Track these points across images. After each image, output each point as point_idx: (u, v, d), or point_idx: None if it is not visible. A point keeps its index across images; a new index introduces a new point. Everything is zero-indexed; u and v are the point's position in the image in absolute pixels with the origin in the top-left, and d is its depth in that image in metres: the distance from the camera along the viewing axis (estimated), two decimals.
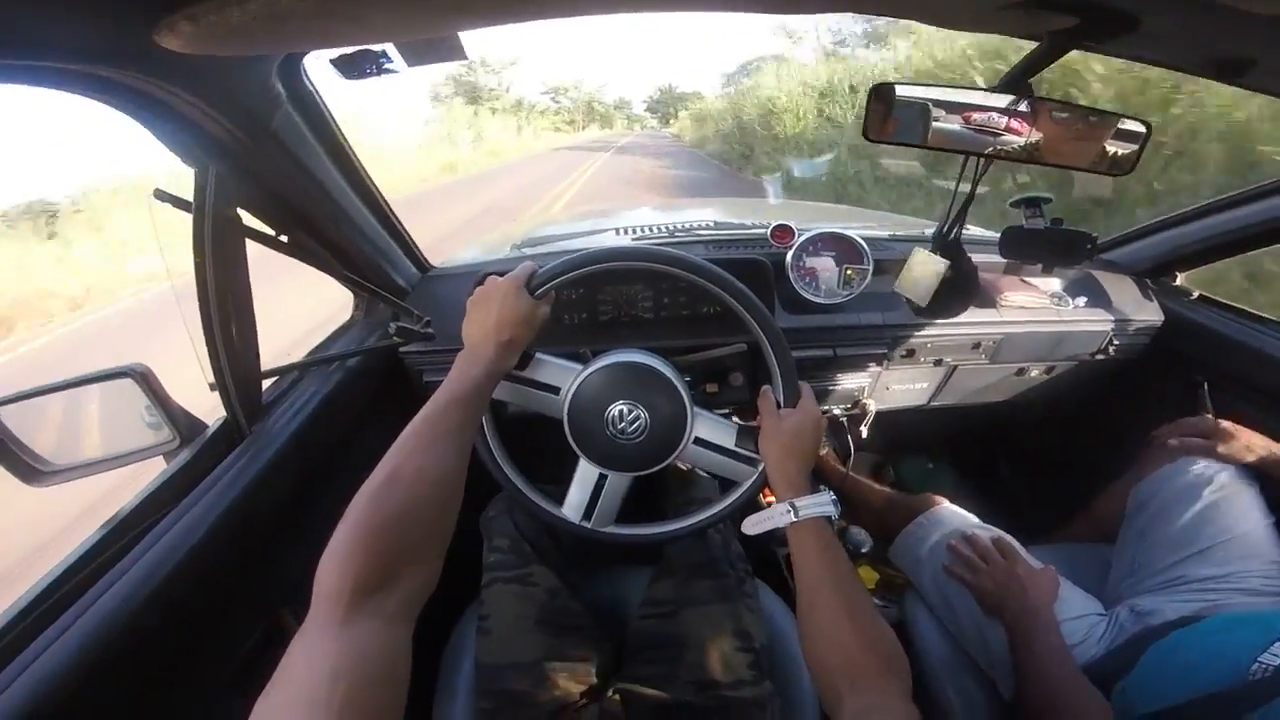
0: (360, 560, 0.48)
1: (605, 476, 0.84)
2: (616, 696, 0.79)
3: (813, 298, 1.15)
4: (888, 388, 1.35)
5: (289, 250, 0.88)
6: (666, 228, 1.35)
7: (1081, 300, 1.23)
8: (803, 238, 1.14)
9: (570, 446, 0.83)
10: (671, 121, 59.11)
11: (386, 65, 0.72)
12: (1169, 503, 0.96)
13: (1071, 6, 0.53)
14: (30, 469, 0.77)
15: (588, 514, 0.85)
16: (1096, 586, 0.98)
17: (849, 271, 1.15)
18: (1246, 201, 1.12)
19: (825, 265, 1.15)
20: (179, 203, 0.70)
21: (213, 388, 0.82)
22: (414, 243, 1.17)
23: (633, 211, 2.19)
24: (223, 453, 0.82)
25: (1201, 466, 0.97)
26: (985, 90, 0.81)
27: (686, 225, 1.34)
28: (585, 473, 0.84)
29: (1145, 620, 0.86)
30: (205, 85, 0.65)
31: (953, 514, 1.09)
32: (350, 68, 0.70)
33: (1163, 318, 1.25)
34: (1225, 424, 0.97)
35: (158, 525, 0.70)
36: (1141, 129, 0.79)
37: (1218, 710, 0.65)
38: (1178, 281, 1.31)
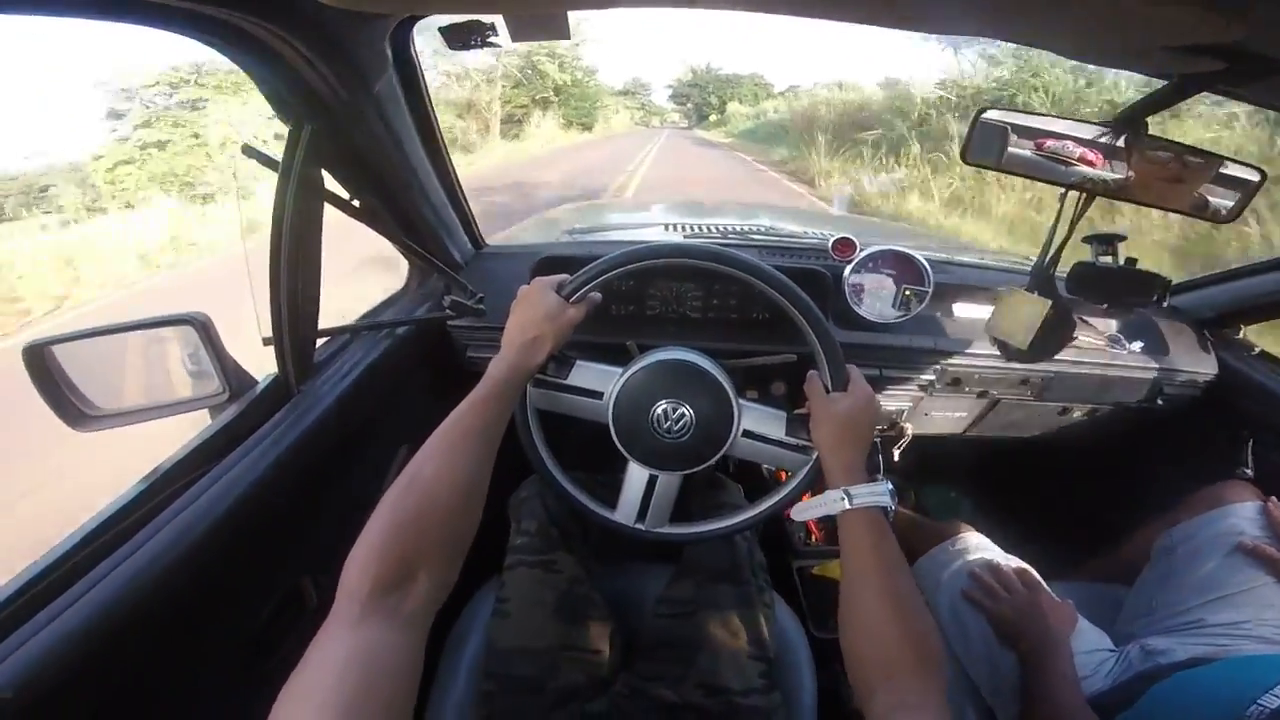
0: (379, 560, 0.50)
1: (655, 478, 0.83)
2: (624, 691, 0.79)
3: (866, 315, 1.13)
4: (927, 414, 1.33)
5: (360, 215, 0.87)
6: (719, 228, 1.33)
7: (1138, 345, 1.21)
8: (864, 253, 1.12)
9: (618, 455, 0.82)
10: (711, 115, 48.98)
11: (491, 38, 0.73)
12: (1199, 549, 0.98)
13: (1221, 52, 0.52)
14: (77, 411, 0.76)
15: (641, 516, 0.84)
16: (1108, 624, 1.00)
17: (907, 293, 1.13)
18: None
19: (883, 283, 1.13)
20: (266, 160, 0.70)
21: (266, 343, 0.82)
22: (474, 219, 1.16)
23: (685, 207, 2.17)
24: (269, 410, 0.81)
25: (1237, 519, 0.97)
26: (1098, 124, 0.79)
27: (740, 228, 1.32)
28: (635, 475, 0.84)
29: (1154, 659, 0.87)
30: (324, 41, 0.65)
31: (979, 542, 1.09)
32: (456, 37, 0.71)
33: (1217, 370, 1.22)
34: None
35: (203, 479, 0.69)
36: (1254, 176, 0.77)
37: None
38: (1241, 334, 1.28)
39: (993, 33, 0.62)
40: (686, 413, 0.79)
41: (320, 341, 0.91)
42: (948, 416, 1.35)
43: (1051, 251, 0.94)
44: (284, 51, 0.64)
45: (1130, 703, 0.80)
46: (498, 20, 0.72)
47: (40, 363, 0.72)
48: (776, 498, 0.82)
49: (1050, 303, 0.95)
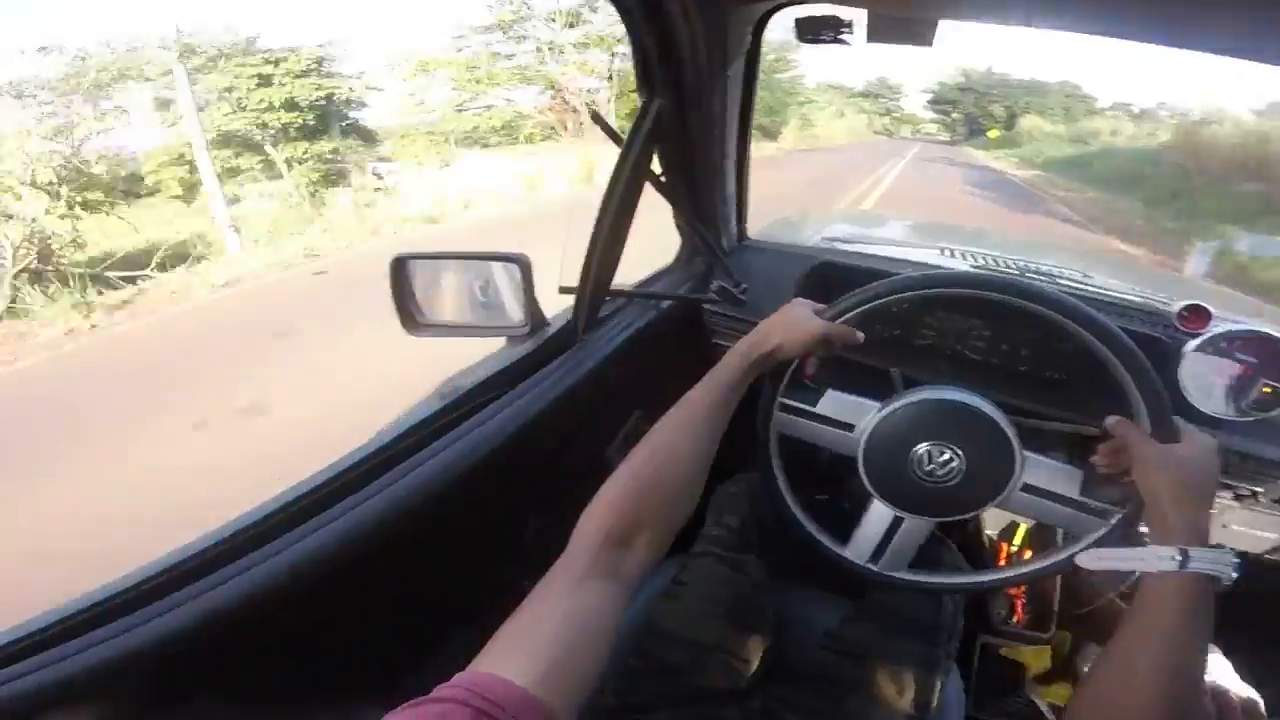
0: (616, 515, 0.53)
1: (900, 520, 0.79)
2: (759, 707, 0.77)
3: (1198, 404, 0.92)
4: (1226, 526, 1.08)
5: (665, 191, 0.91)
6: (1015, 264, 1.18)
7: None
8: (1220, 329, 0.91)
9: (865, 487, 0.79)
10: (991, 130, 35.93)
11: (843, 35, 0.72)
12: None
13: None
14: (412, 319, 0.90)
15: (876, 557, 0.81)
16: None
17: (1265, 389, 0.90)
18: None
19: (1234, 369, 0.91)
20: (611, 133, 0.75)
21: (564, 291, 0.89)
22: (747, 210, 1.17)
23: (968, 233, 1.98)
24: (556, 351, 0.90)
25: None
26: None
27: (1045, 270, 1.15)
28: (877, 513, 0.80)
29: None
30: (713, 18, 0.67)
31: (1217, 664, 0.98)
32: (810, 30, 0.72)
33: None
34: None
35: (494, 403, 0.78)
36: None
37: None
38: None
39: None
40: (955, 458, 0.74)
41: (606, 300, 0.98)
42: (1255, 535, 1.08)
43: None
44: (677, 22, 0.68)
45: None
46: (860, 17, 0.70)
47: (400, 272, 0.87)
48: (1050, 561, 0.75)
49: None
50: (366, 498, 0.63)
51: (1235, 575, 0.56)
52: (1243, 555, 1.07)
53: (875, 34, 0.72)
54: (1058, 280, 1.10)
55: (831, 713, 0.77)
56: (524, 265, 0.86)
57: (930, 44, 0.71)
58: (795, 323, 0.73)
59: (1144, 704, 0.53)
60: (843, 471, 0.89)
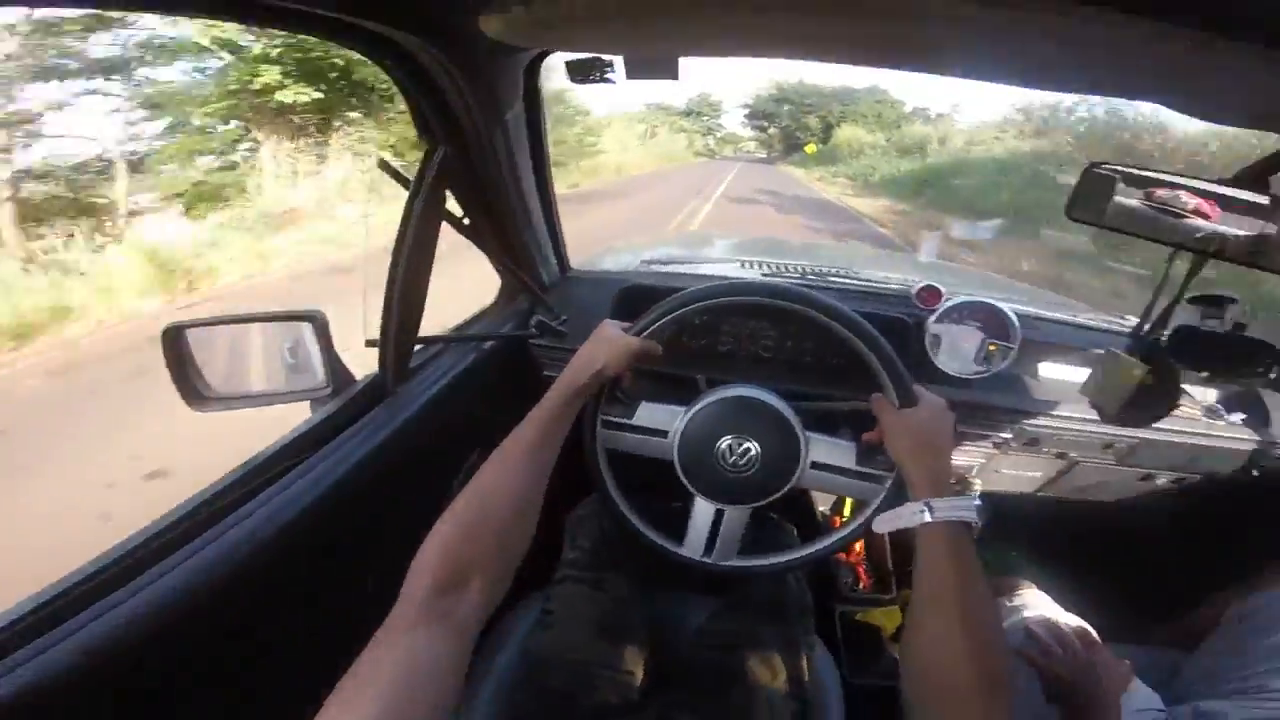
0: (438, 565, 0.53)
1: (722, 512, 0.84)
2: (653, 716, 0.79)
3: (945, 368, 1.11)
4: (998, 470, 1.30)
5: (468, 233, 0.92)
6: (798, 268, 1.34)
7: (1238, 416, 1.15)
8: (950, 303, 1.10)
9: (676, 484, 0.84)
10: (809, 144, 33.97)
11: (608, 74, 0.78)
12: (1275, 617, 0.95)
13: None
14: (195, 392, 0.82)
15: (708, 550, 0.86)
16: (1162, 688, 0.96)
17: (991, 347, 1.10)
18: None
19: (968, 336, 1.11)
20: (399, 177, 0.76)
21: (370, 344, 0.86)
22: (563, 243, 1.21)
23: (767, 245, 2.18)
24: (365, 407, 0.86)
25: None
26: (1216, 181, 0.77)
27: (820, 270, 1.32)
28: (701, 510, 0.85)
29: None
30: (474, 69, 0.71)
31: (1037, 599, 1.09)
32: (579, 71, 0.76)
33: None
34: None
35: (299, 467, 0.74)
36: None
37: None
38: None
39: (1118, 92, 0.63)
40: (752, 447, 0.81)
41: (417, 349, 0.96)
42: (1020, 476, 1.31)
43: (1155, 315, 0.91)
44: (439, 76, 0.71)
45: None
46: (617, 59, 0.77)
47: (176, 342, 0.79)
48: (851, 527, 0.82)
49: (1148, 368, 0.91)
50: (150, 581, 0.56)
51: (976, 516, 0.65)
52: (984, 496, 1.29)
53: (632, 72, 0.77)
54: (829, 278, 1.28)
55: (721, 707, 0.79)
56: (318, 323, 0.82)
57: (677, 78, 0.77)
58: (611, 341, 0.77)
59: (936, 639, 0.59)
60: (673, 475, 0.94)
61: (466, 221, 0.91)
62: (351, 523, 0.78)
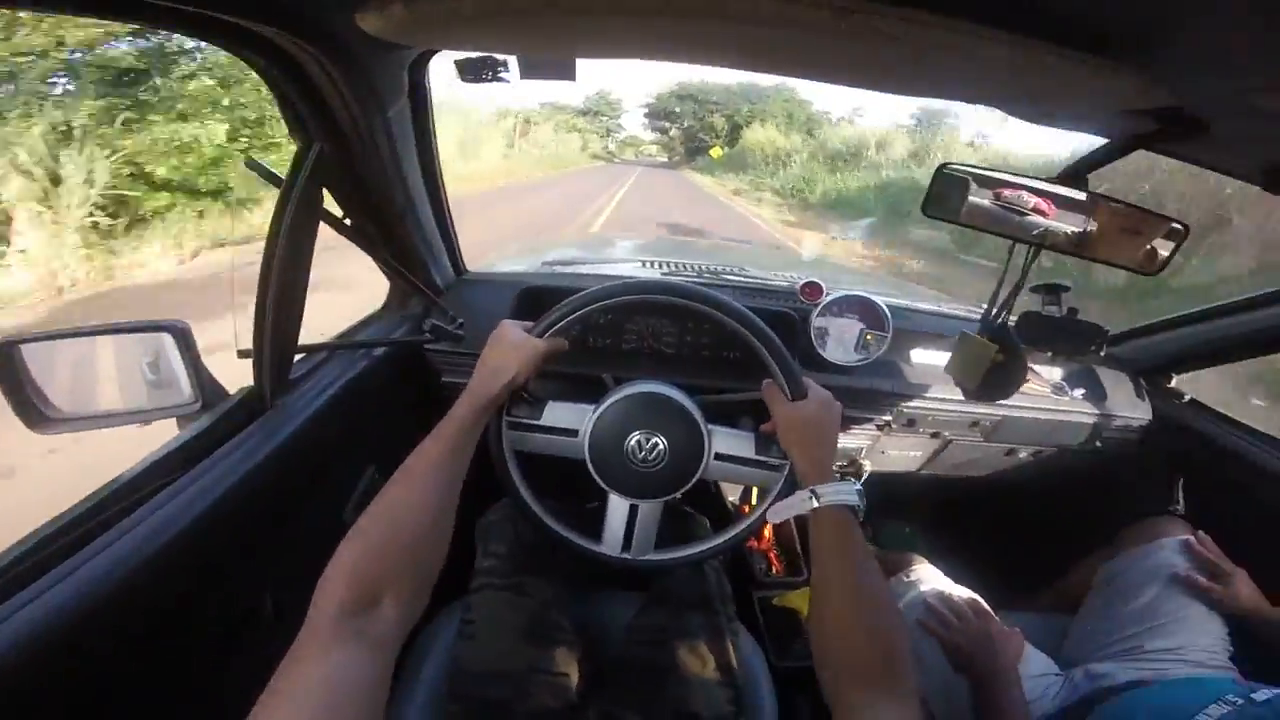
0: (347, 585, 0.52)
1: (636, 507, 0.85)
2: (595, 716, 0.79)
3: (829, 357, 1.19)
4: (883, 452, 1.39)
5: (351, 234, 0.89)
6: (695, 267, 1.39)
7: (1079, 392, 1.30)
8: (830, 297, 1.18)
9: (589, 483, 0.84)
10: (714, 148, 30.71)
11: (501, 74, 0.77)
12: (1136, 580, 1.06)
13: (1157, 116, 0.59)
14: (37, 412, 0.74)
15: (626, 545, 0.86)
16: (1053, 651, 1.06)
17: (868, 336, 1.19)
18: (1248, 309, 1.18)
19: (847, 327, 1.19)
20: (269, 175, 0.72)
21: (243, 355, 0.82)
22: (458, 245, 1.18)
23: (658, 242, 2.23)
24: (242, 423, 0.81)
25: (1169, 553, 1.07)
26: (1046, 180, 0.86)
27: (716, 268, 1.38)
28: (616, 506, 0.85)
29: (1098, 682, 0.94)
30: (351, 66, 0.68)
31: (930, 574, 1.14)
32: (470, 70, 0.75)
33: (1151, 417, 1.32)
34: (1230, 569, 1.02)
35: (168, 488, 0.69)
36: (1180, 228, 0.85)
37: None
38: (1172, 383, 1.38)
39: (955, 95, 0.69)
40: (660, 442, 0.82)
41: (298, 358, 0.91)
42: (903, 455, 1.41)
43: (1000, 301, 1.01)
44: (314, 72, 0.67)
45: None
46: (511, 59, 0.77)
47: (7, 361, 0.71)
48: (756, 515, 0.84)
49: (996, 347, 1.01)
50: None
51: (859, 500, 0.69)
52: (873, 476, 1.38)
53: (526, 72, 0.77)
54: (724, 276, 1.33)
55: (659, 700, 0.79)
56: (179, 334, 0.76)
57: (574, 79, 0.77)
58: (518, 346, 0.76)
59: (834, 620, 0.62)
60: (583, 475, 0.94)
61: (349, 222, 0.88)
62: (237, 542, 0.74)
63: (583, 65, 0.77)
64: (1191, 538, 1.07)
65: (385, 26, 0.50)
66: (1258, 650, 0.96)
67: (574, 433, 0.84)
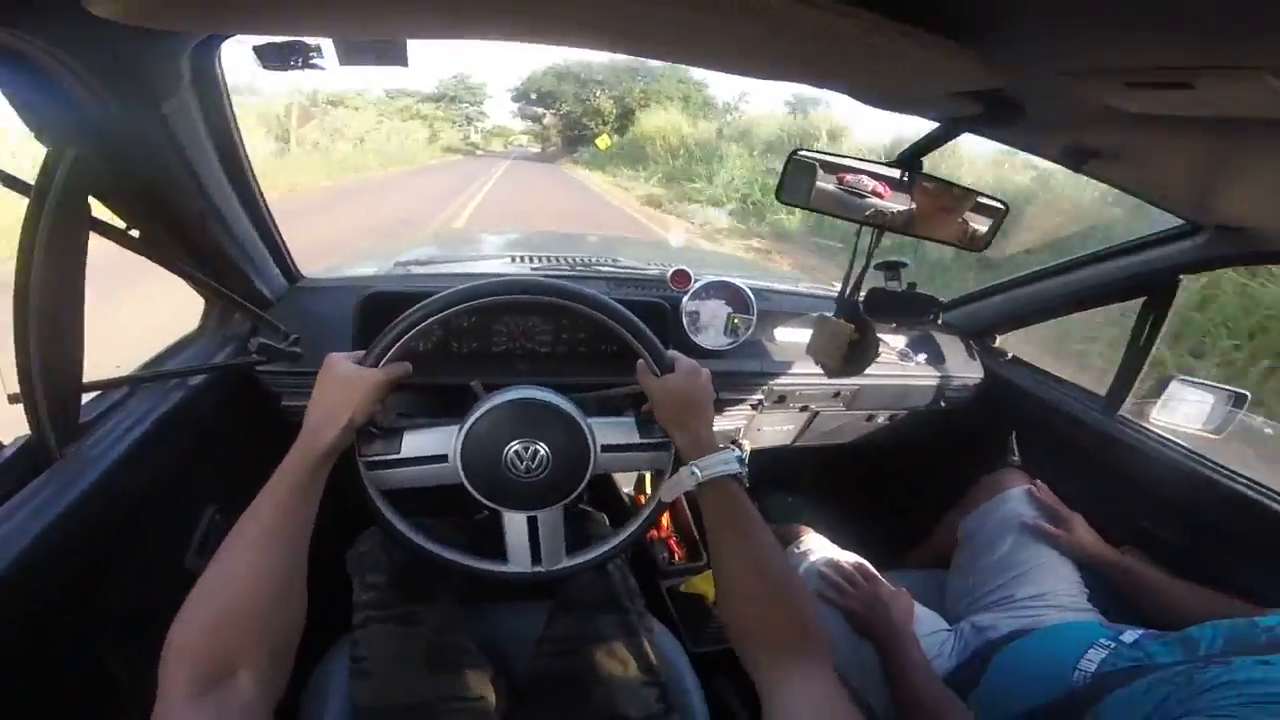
0: (191, 661, 0.48)
1: (535, 518, 0.79)
2: None
3: (702, 342, 1.21)
4: (759, 429, 1.46)
5: (137, 246, 0.75)
6: (567, 260, 1.35)
7: (922, 357, 1.43)
8: (698, 283, 1.20)
9: (484, 504, 0.78)
10: (601, 136, 25.12)
11: (314, 60, 0.69)
12: (991, 535, 1.15)
13: (981, 99, 0.64)
14: None
15: (536, 559, 0.80)
16: (938, 607, 1.12)
17: (735, 320, 1.23)
18: (1055, 274, 1.35)
19: (716, 312, 1.22)
20: (13, 183, 0.59)
21: (13, 400, 0.67)
22: (287, 249, 1.06)
23: (529, 236, 2.16)
24: (23, 479, 0.67)
25: (1015, 503, 1.17)
26: (884, 164, 0.92)
27: (588, 260, 1.35)
28: (514, 522, 0.79)
29: (985, 634, 0.99)
30: (99, 54, 0.57)
31: (819, 542, 1.18)
32: (274, 57, 0.66)
33: (983, 375, 1.48)
34: (1068, 514, 1.11)
35: None
36: (1000, 206, 0.94)
37: (1055, 717, 0.75)
38: (996, 343, 1.55)
39: (807, 78, 0.70)
40: (540, 449, 0.76)
41: (89, 397, 0.77)
42: (777, 430, 1.49)
43: (852, 281, 1.06)
44: (51, 68, 0.55)
45: (978, 677, 0.90)
46: (324, 42, 0.68)
47: None
48: (654, 500, 0.82)
49: (853, 327, 1.07)
50: None
51: (740, 467, 0.69)
52: (753, 454, 1.44)
53: (346, 58, 0.69)
54: (596, 268, 1.31)
55: (586, 710, 0.77)
56: None
57: (406, 64, 0.70)
58: (350, 383, 0.67)
59: (739, 592, 0.62)
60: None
61: (135, 234, 0.75)
62: (56, 604, 0.65)
63: (426, 48, 0.70)
64: (1031, 486, 1.18)
65: (125, 11, 0.41)
66: (1107, 591, 1.04)
67: (442, 458, 0.76)
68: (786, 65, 0.66)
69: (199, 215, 0.83)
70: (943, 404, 1.47)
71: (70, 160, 0.61)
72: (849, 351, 1.09)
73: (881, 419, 1.53)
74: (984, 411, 1.50)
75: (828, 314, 1.12)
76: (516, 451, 0.76)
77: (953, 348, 1.49)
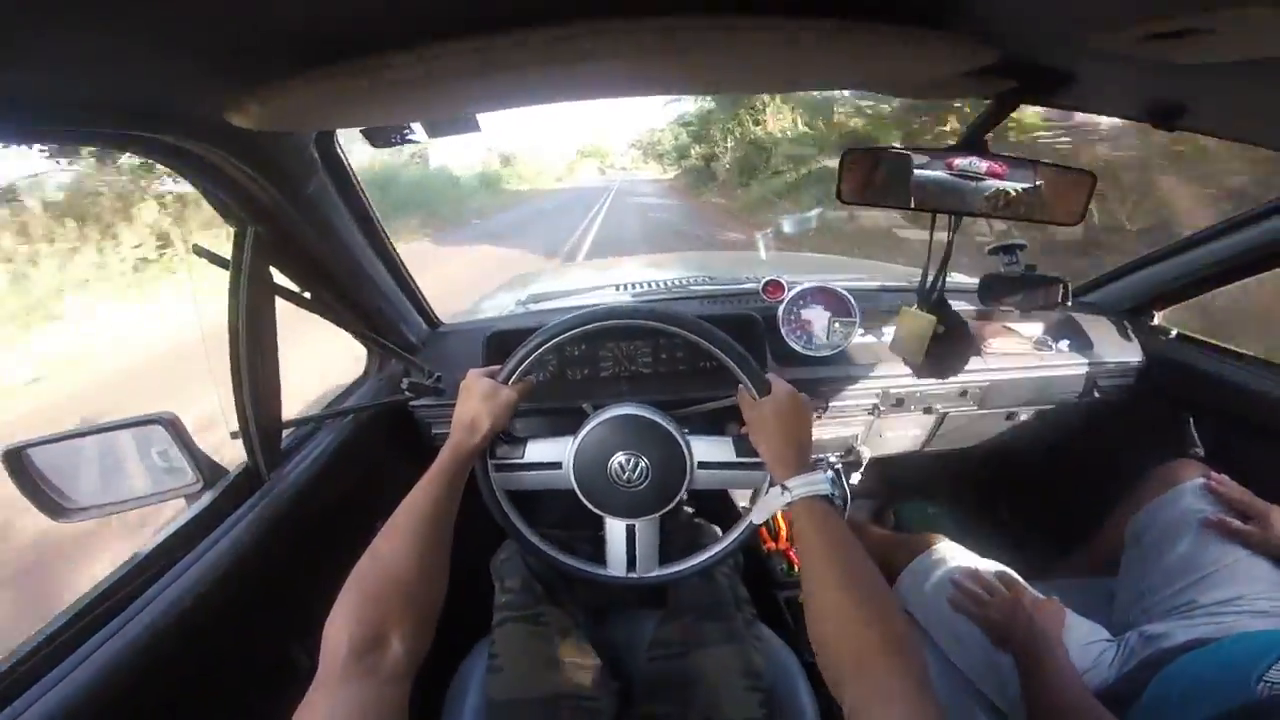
0: (352, 626, 0.56)
1: (633, 527, 0.87)
2: None
3: (804, 350, 1.20)
4: (881, 435, 1.39)
5: (312, 307, 0.95)
6: (664, 284, 1.42)
7: (1064, 344, 1.28)
8: (793, 292, 1.20)
9: (591, 511, 0.87)
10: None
11: (409, 136, 0.81)
12: (1166, 531, 1.01)
13: (1009, 70, 0.61)
14: (56, 505, 0.81)
15: (631, 565, 0.88)
16: (1102, 618, 1.00)
17: (837, 325, 1.20)
18: (1217, 236, 1.16)
19: (816, 318, 1.21)
20: (216, 260, 0.78)
21: (235, 435, 0.88)
22: (425, 300, 1.24)
23: (631, 266, 2.27)
24: (242, 497, 0.87)
25: (1192, 498, 1.02)
26: (947, 150, 0.87)
27: (682, 281, 1.41)
28: (614, 529, 0.88)
29: (1157, 644, 0.87)
30: (254, 154, 0.73)
31: (954, 551, 1.11)
32: (379, 137, 0.80)
33: (1143, 357, 1.29)
34: (1265, 507, 0.96)
35: (179, 563, 0.75)
36: (1089, 177, 0.85)
37: None
38: (1155, 320, 1.36)
39: (832, 84, 0.72)
40: (642, 461, 0.84)
41: (288, 431, 0.97)
42: (902, 436, 1.40)
43: (933, 271, 0.98)
44: (222, 166, 0.72)
45: (1139, 691, 0.81)
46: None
47: (19, 465, 0.78)
48: (746, 521, 0.85)
49: (934, 319, 0.99)
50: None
51: (830, 488, 0.70)
52: (837, 471, 1.36)
53: (433, 131, 0.79)
54: (691, 288, 1.36)
55: (691, 712, 0.80)
56: (168, 423, 0.82)
57: (479, 129, 0.80)
58: (487, 398, 0.80)
59: (828, 611, 0.61)
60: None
61: (308, 295, 0.94)
62: (252, 609, 0.80)
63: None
64: (1210, 479, 1.03)
65: (256, 122, 0.54)
66: None
67: (558, 465, 0.86)
68: (823, 78, 0.68)
69: (352, 277, 1.01)
70: (1096, 394, 1.30)
71: (251, 237, 0.79)
72: (934, 347, 1.00)
73: (1024, 416, 1.38)
74: (1146, 398, 1.31)
75: (908, 307, 1.04)
76: (620, 462, 0.84)
77: (1102, 331, 1.32)
